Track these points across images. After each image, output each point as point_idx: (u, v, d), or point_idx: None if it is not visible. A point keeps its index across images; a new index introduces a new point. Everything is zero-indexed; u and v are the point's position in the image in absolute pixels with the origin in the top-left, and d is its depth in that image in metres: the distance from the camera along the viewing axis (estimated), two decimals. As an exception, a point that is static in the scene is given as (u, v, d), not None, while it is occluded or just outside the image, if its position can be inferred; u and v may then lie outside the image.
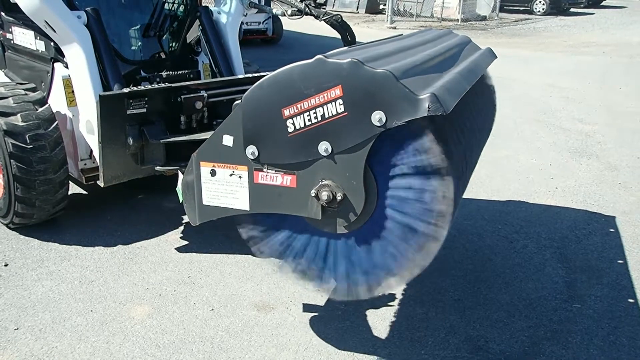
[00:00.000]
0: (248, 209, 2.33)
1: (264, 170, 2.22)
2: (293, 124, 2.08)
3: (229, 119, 2.24)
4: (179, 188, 3.02)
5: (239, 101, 2.19)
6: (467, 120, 2.71)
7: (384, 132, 1.96)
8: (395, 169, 2.07)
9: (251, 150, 2.20)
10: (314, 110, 2.02)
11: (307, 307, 3.06)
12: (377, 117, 1.93)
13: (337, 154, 2.06)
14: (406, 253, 2.12)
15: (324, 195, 2.11)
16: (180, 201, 2.71)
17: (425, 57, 2.39)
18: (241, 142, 2.21)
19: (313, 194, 2.13)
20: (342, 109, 1.98)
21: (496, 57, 3.23)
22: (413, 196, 2.06)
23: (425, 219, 2.05)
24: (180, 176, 3.00)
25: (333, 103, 1.98)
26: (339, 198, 2.10)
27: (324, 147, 2.06)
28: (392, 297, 3.16)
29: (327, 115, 2.01)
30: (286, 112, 2.07)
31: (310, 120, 2.04)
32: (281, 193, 2.21)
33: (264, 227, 2.41)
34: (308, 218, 2.24)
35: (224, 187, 2.34)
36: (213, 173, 2.35)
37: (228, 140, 2.25)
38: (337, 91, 1.97)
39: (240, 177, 2.29)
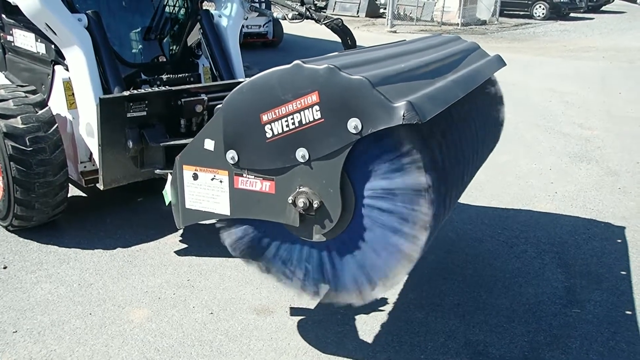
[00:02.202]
0: (229, 213, 2.32)
1: (244, 175, 2.21)
2: (271, 129, 2.07)
3: (210, 122, 2.24)
4: (165, 191, 3.01)
5: (220, 105, 2.18)
6: (463, 128, 2.65)
7: (361, 139, 1.94)
8: (374, 177, 2.04)
9: (231, 155, 2.19)
10: (291, 116, 2.01)
11: (306, 311, 3.05)
12: (353, 124, 1.91)
13: (314, 161, 2.04)
14: (384, 262, 2.10)
15: (301, 202, 2.09)
16: (167, 204, 2.70)
17: (417, 64, 2.35)
18: (222, 147, 2.20)
19: (290, 201, 2.12)
20: (319, 115, 1.96)
21: (505, 64, 3.18)
22: (391, 206, 2.03)
23: (403, 228, 2.02)
24: (169, 178, 3.00)
25: (310, 109, 1.97)
26: (315, 205, 2.09)
27: (301, 153, 2.05)
28: (391, 301, 3.15)
29: (304, 122, 2.00)
30: (265, 118, 2.06)
31: (287, 126, 2.03)
32: (260, 199, 2.20)
33: (245, 231, 2.40)
34: (286, 225, 2.22)
35: (205, 191, 2.34)
36: (195, 177, 2.35)
37: (209, 144, 2.24)
38: (313, 97, 1.95)
39: (221, 181, 2.28)
